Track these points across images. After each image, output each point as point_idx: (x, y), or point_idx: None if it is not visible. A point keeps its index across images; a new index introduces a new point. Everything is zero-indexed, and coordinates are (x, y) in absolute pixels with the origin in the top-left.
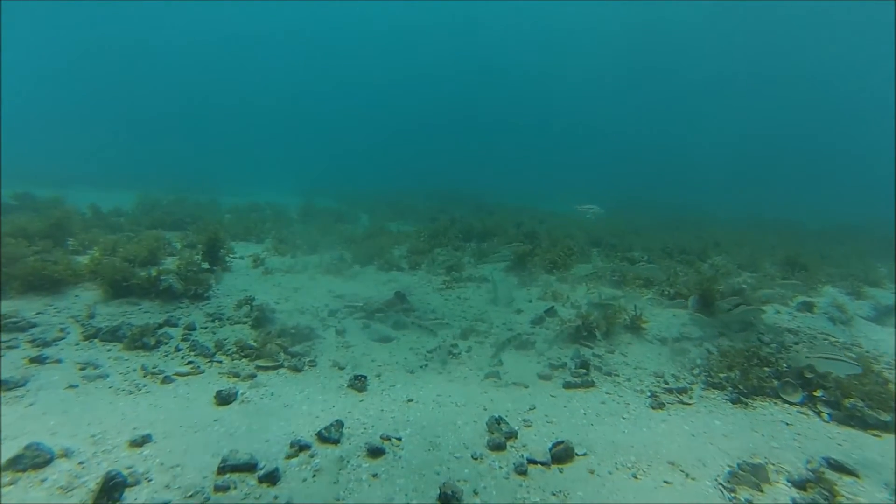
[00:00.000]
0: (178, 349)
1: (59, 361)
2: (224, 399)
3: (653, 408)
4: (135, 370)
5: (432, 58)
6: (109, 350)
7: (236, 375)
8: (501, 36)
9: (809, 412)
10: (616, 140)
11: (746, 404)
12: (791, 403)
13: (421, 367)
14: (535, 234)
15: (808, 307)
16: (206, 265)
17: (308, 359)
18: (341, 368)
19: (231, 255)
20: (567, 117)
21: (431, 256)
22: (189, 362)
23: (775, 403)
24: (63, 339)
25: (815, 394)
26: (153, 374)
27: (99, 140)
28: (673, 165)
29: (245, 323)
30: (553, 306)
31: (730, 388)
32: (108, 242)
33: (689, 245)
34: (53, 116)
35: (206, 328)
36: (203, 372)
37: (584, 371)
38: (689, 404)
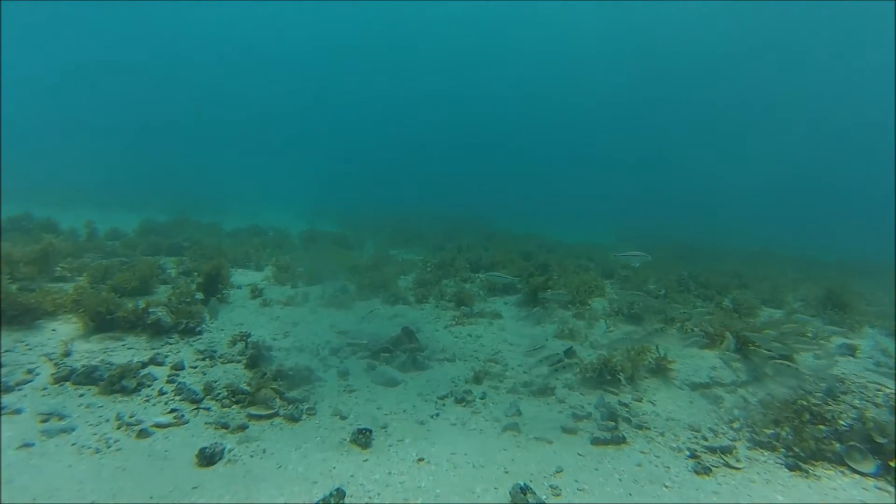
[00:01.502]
0: (161, 393)
1: (17, 412)
2: (208, 458)
3: (697, 473)
4: (108, 420)
5: (440, 80)
6: (82, 395)
7: (225, 426)
8: (512, 60)
9: (890, 488)
10: (624, 168)
11: (807, 472)
12: (862, 474)
13: (432, 416)
14: (546, 266)
15: (849, 350)
16: (199, 295)
17: (307, 406)
18: (343, 418)
19: (228, 288)
20: (574, 145)
21: (439, 289)
22: (172, 410)
23: (843, 473)
24: (29, 382)
25: (891, 464)
26: (129, 425)
27: (102, 158)
28: (681, 196)
29: (239, 362)
30: (572, 346)
31: (782, 450)
32: (97, 269)
33: (705, 277)
34: (58, 134)
35: (195, 367)
36: (187, 422)
37: (613, 423)
38: (738, 469)
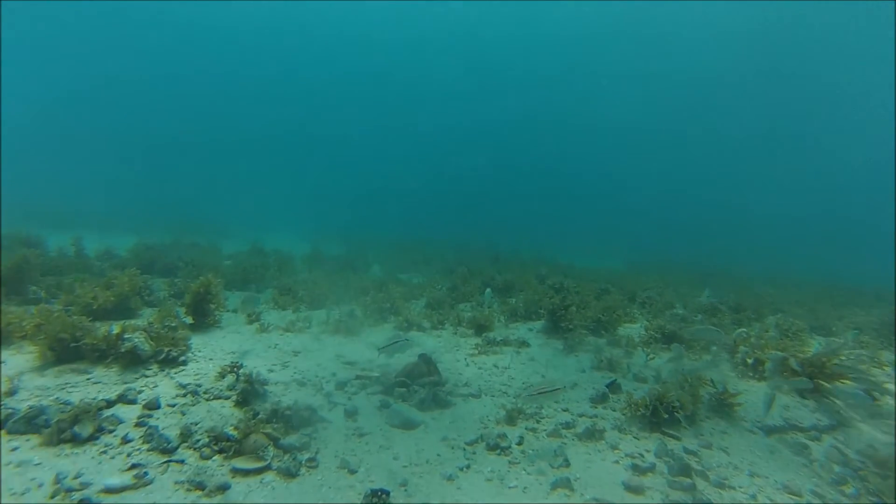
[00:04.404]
0: (125, 440)
1: None
2: None
3: None
4: (41, 485)
5: (444, 104)
6: (15, 449)
7: (200, 487)
8: (519, 88)
9: None
10: (630, 192)
11: None
12: None
13: (462, 469)
14: (563, 288)
15: None
16: (188, 319)
17: (306, 456)
18: (352, 472)
19: (221, 309)
20: (581, 169)
21: (456, 313)
22: (133, 465)
23: None
24: None
25: None
26: (69, 490)
27: (107, 179)
28: (688, 220)
29: (228, 398)
30: (616, 380)
31: None
32: (71, 286)
33: (734, 301)
34: (60, 156)
35: (173, 406)
36: (151, 482)
37: (689, 481)
38: None
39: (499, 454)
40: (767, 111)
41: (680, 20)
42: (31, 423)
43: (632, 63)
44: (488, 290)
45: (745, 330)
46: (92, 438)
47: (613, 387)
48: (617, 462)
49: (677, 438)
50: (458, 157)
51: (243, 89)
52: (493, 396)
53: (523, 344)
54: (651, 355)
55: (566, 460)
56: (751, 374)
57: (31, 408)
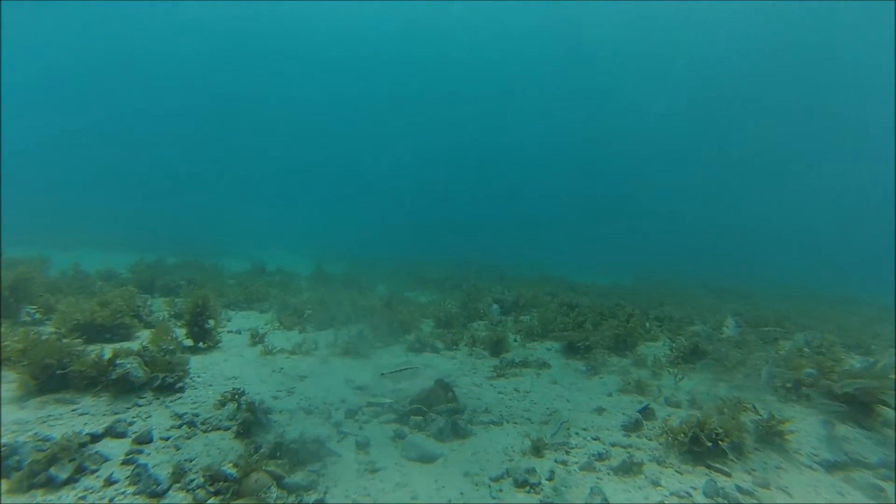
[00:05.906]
0: (109, 482)
1: None
2: None
3: None
4: None
5: (447, 129)
6: None
7: None
8: (514, 112)
9: None
10: (636, 208)
11: None
12: None
13: None
14: (574, 305)
15: None
16: (187, 342)
17: (314, 497)
18: None
19: (221, 328)
20: (581, 185)
21: (471, 333)
22: None
23: None
24: None
25: None
26: None
27: (113, 199)
28: (692, 235)
29: (228, 429)
30: (648, 405)
31: None
32: (63, 307)
33: (754, 317)
34: (71, 179)
35: (167, 439)
36: None
37: None
38: None
39: (528, 492)
40: (771, 121)
41: (689, 32)
42: (2, 465)
43: (638, 78)
44: (495, 306)
45: (770, 353)
46: (70, 481)
47: (646, 412)
48: (662, 503)
49: (727, 474)
50: (460, 174)
51: (244, 106)
52: (515, 424)
53: (544, 365)
54: (680, 376)
55: (605, 500)
56: (794, 399)
57: (3, 446)
